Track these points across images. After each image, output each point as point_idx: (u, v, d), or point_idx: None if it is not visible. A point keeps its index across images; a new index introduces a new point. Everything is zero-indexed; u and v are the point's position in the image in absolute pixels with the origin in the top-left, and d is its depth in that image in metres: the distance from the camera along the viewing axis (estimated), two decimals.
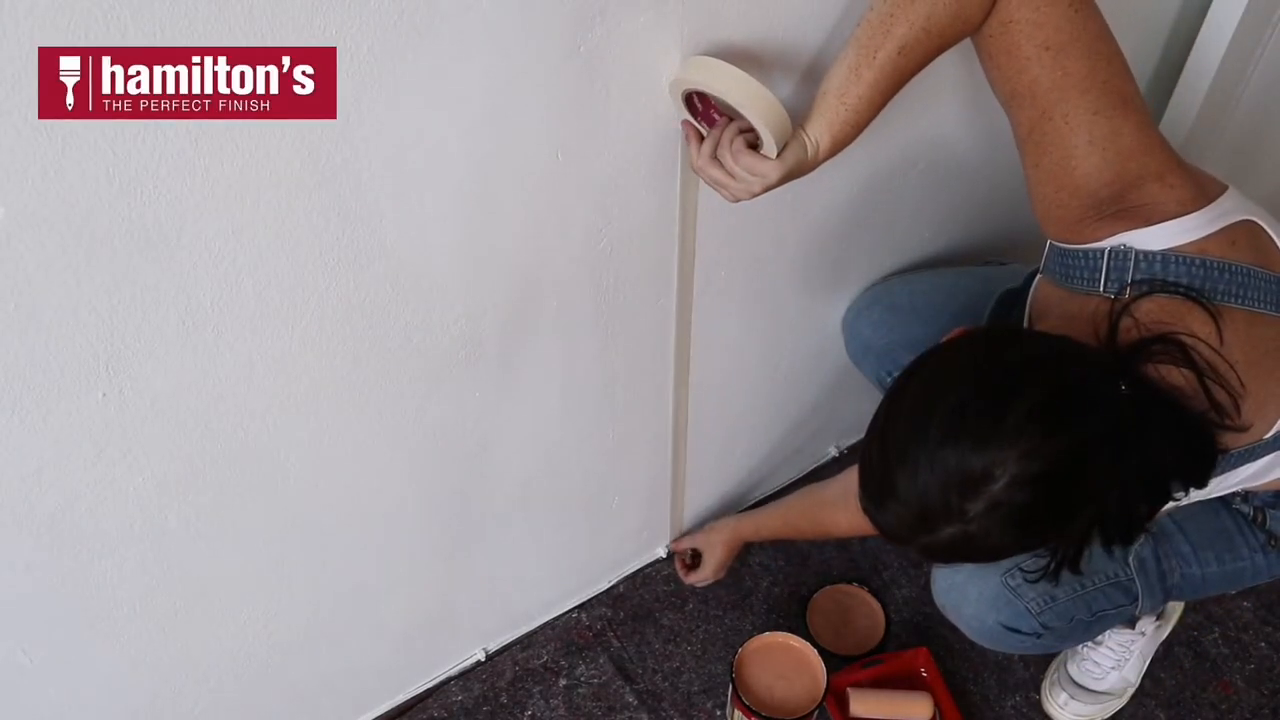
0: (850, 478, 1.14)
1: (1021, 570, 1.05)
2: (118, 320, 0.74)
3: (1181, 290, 0.85)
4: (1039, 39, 0.84)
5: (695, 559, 1.43)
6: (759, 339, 1.26)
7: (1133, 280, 0.87)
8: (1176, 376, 0.82)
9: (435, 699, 1.32)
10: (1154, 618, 1.28)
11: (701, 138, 0.91)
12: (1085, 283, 0.91)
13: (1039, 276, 1.04)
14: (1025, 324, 1.07)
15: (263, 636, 1.07)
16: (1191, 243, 0.86)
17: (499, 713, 1.31)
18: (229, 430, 0.87)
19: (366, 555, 1.09)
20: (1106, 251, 0.88)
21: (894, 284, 1.28)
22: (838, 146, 0.89)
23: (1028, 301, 1.07)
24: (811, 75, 0.99)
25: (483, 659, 1.35)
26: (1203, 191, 0.87)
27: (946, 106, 1.17)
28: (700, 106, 0.90)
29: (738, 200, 0.90)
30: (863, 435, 1.56)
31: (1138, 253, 0.87)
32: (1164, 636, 1.33)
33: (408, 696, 1.31)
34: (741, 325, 1.22)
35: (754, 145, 0.87)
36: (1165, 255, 0.86)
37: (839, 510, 1.22)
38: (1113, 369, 0.81)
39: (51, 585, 0.87)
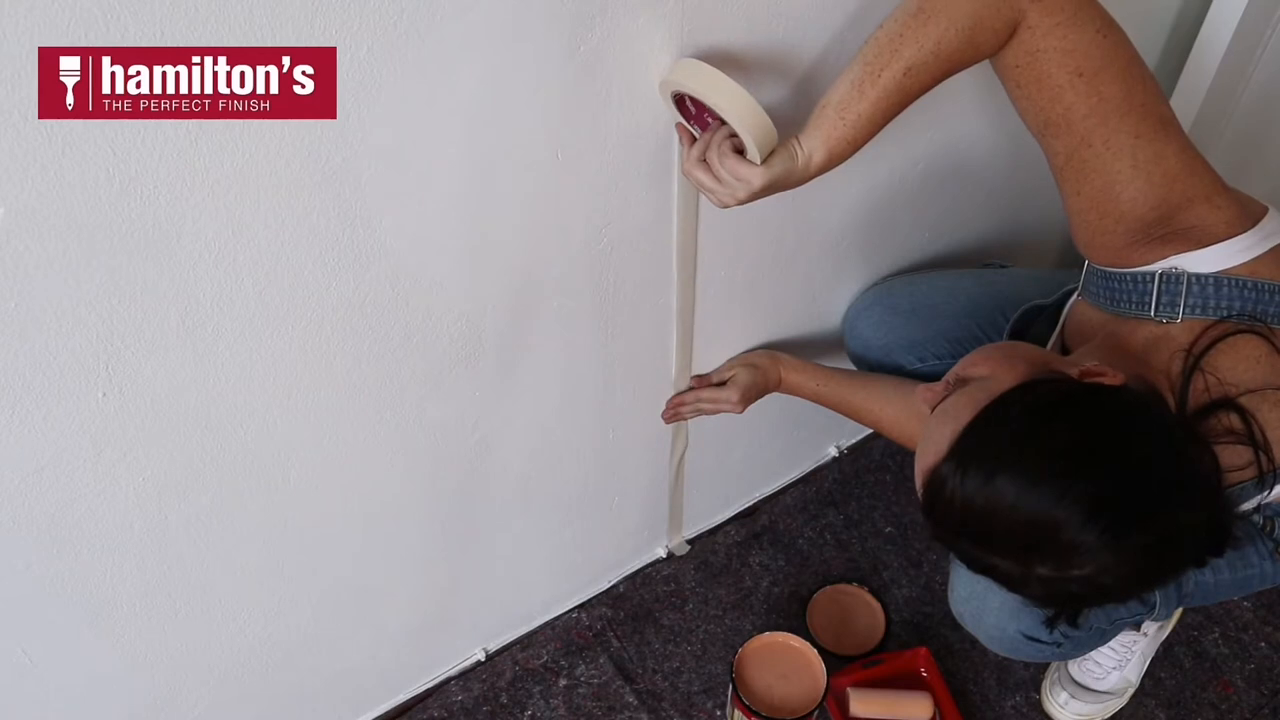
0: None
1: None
2: (118, 320, 0.75)
3: (1242, 323, 0.84)
4: (1070, 66, 0.82)
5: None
6: (759, 339, 1.26)
7: (1186, 304, 0.86)
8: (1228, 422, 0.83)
9: (435, 699, 1.32)
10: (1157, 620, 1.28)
11: (694, 140, 0.91)
12: (1134, 306, 0.90)
13: (1076, 298, 1.03)
14: (1058, 344, 1.06)
15: (263, 636, 1.07)
16: (1242, 265, 0.85)
17: (499, 713, 1.31)
18: (229, 430, 0.87)
19: (366, 555, 1.09)
20: (1157, 275, 0.87)
21: (894, 285, 1.28)
22: (832, 162, 0.88)
23: (1060, 321, 1.06)
24: (808, 82, 0.99)
25: (483, 659, 1.35)
26: (1247, 212, 0.86)
27: (947, 108, 1.17)
28: (694, 110, 0.90)
29: (724, 206, 0.89)
30: (862, 437, 1.57)
31: (1190, 276, 0.85)
32: (1164, 637, 1.33)
33: (408, 696, 1.31)
34: (742, 325, 1.22)
35: (743, 151, 0.86)
36: (1218, 278, 0.85)
37: (904, 422, 1.17)
38: (1194, 454, 0.81)
39: (51, 585, 0.87)
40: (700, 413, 1.22)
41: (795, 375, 1.22)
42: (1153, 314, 0.88)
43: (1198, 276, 0.85)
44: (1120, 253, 0.89)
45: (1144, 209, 0.85)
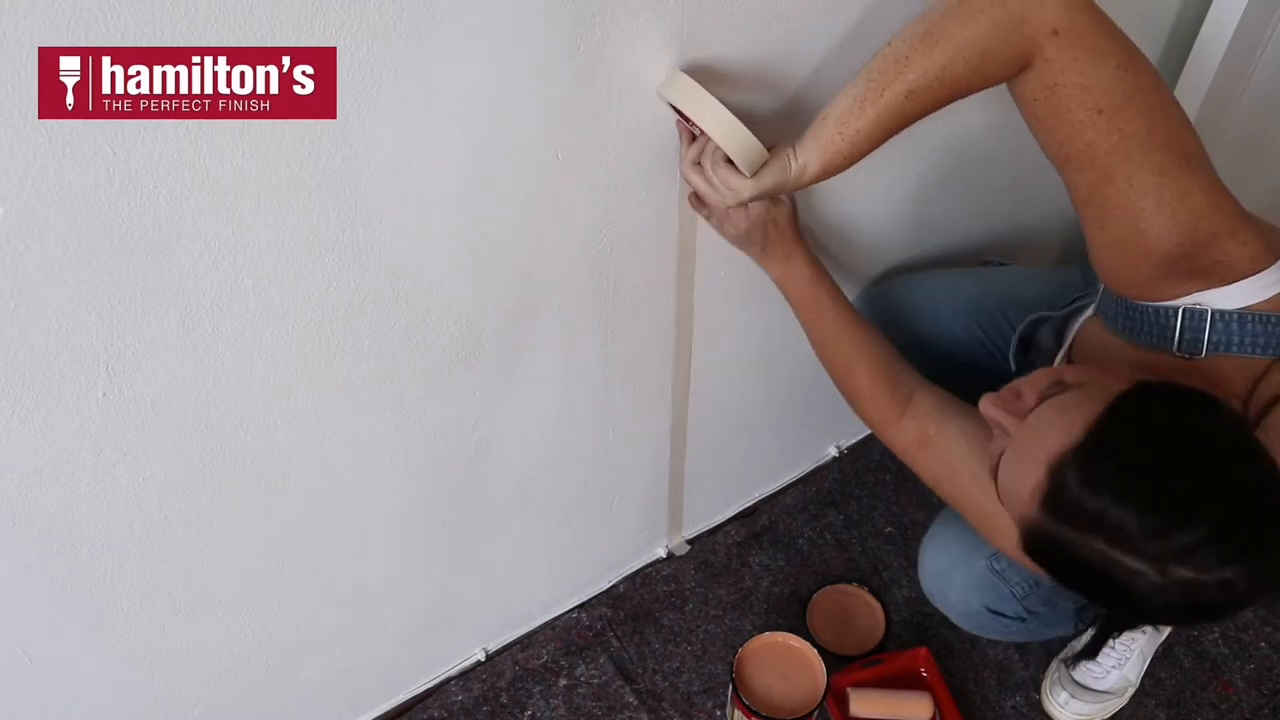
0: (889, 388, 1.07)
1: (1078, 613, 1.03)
2: (118, 320, 0.74)
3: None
4: (1089, 102, 0.80)
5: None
6: (759, 339, 1.26)
7: (1209, 341, 0.84)
8: None
9: (435, 699, 1.32)
10: None
11: (694, 140, 0.91)
12: (1154, 340, 0.88)
13: (1089, 316, 1.01)
14: (1064, 360, 1.04)
15: (263, 636, 1.07)
16: (1267, 300, 0.83)
17: (499, 713, 1.31)
18: (229, 430, 0.87)
19: (366, 555, 1.09)
20: (1180, 312, 0.85)
21: (894, 285, 1.28)
22: (827, 173, 0.87)
23: (1070, 336, 1.05)
24: (808, 86, 0.99)
25: (483, 659, 1.35)
26: (1272, 247, 0.84)
27: (947, 109, 1.17)
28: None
29: (719, 206, 0.91)
30: (862, 437, 1.57)
31: (1214, 313, 0.84)
32: (1164, 636, 1.33)
33: (408, 696, 1.31)
34: (741, 325, 1.22)
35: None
36: (1241, 315, 0.83)
37: (871, 393, 1.08)
38: None
39: (51, 585, 0.87)
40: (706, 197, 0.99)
41: (803, 276, 1.06)
42: (1175, 349, 0.86)
43: (1221, 313, 0.83)
44: (1143, 286, 0.87)
45: (1168, 245, 0.83)
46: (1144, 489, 0.74)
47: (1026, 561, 0.94)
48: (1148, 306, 0.88)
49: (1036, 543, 0.79)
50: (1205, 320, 0.84)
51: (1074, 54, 0.79)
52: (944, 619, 1.19)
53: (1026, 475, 0.78)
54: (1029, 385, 0.85)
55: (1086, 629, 1.06)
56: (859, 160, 0.87)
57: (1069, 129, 0.82)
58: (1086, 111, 0.80)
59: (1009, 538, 0.93)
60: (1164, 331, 0.87)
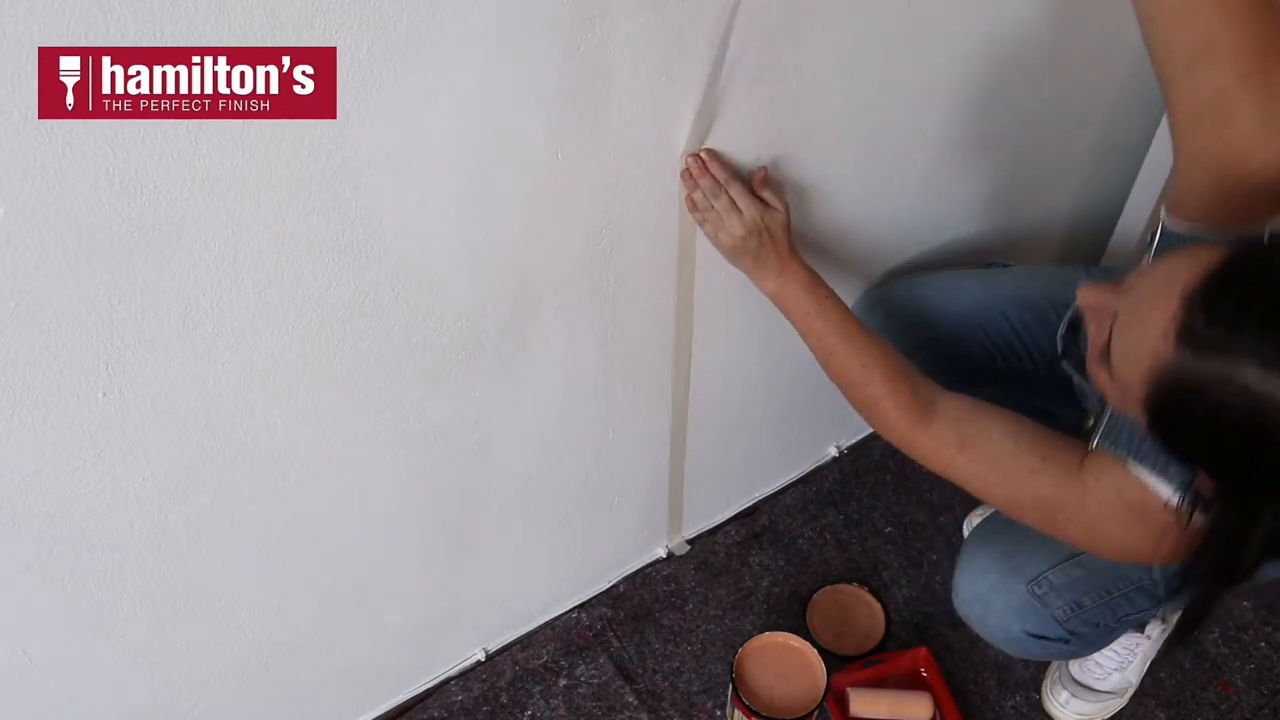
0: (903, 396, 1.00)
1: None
2: (118, 320, 0.75)
3: None
4: None
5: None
6: (759, 339, 1.26)
7: None
8: None
9: (435, 699, 1.32)
10: (1161, 622, 1.28)
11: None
12: None
13: None
14: None
15: (263, 636, 1.07)
16: None
17: (499, 713, 1.31)
18: (229, 429, 0.87)
19: (366, 555, 1.09)
20: (1266, 237, 0.76)
21: (895, 286, 1.28)
22: None
23: None
24: (813, 89, 0.99)
25: (483, 659, 1.35)
26: None
27: (945, 108, 1.17)
28: None
29: None
30: (862, 437, 1.57)
31: None
32: (1165, 638, 1.33)
33: (408, 696, 1.31)
34: (741, 325, 1.22)
35: None
36: None
37: (884, 396, 1.02)
38: None
39: (51, 585, 0.87)
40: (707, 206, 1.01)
41: (801, 285, 1.04)
42: None
43: None
44: (1232, 214, 0.81)
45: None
46: None
47: (1097, 546, 0.89)
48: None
49: (1170, 393, 0.70)
50: None
51: None
52: (944, 619, 1.19)
53: (1154, 315, 0.69)
54: (1129, 275, 0.77)
55: (1169, 602, 1.01)
56: None
57: (1227, 13, 0.78)
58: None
59: (1075, 521, 0.89)
60: None
